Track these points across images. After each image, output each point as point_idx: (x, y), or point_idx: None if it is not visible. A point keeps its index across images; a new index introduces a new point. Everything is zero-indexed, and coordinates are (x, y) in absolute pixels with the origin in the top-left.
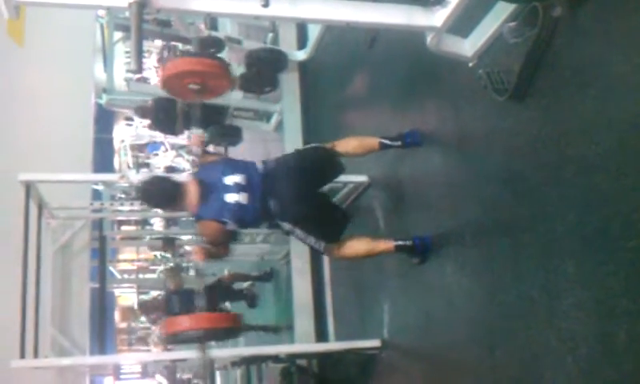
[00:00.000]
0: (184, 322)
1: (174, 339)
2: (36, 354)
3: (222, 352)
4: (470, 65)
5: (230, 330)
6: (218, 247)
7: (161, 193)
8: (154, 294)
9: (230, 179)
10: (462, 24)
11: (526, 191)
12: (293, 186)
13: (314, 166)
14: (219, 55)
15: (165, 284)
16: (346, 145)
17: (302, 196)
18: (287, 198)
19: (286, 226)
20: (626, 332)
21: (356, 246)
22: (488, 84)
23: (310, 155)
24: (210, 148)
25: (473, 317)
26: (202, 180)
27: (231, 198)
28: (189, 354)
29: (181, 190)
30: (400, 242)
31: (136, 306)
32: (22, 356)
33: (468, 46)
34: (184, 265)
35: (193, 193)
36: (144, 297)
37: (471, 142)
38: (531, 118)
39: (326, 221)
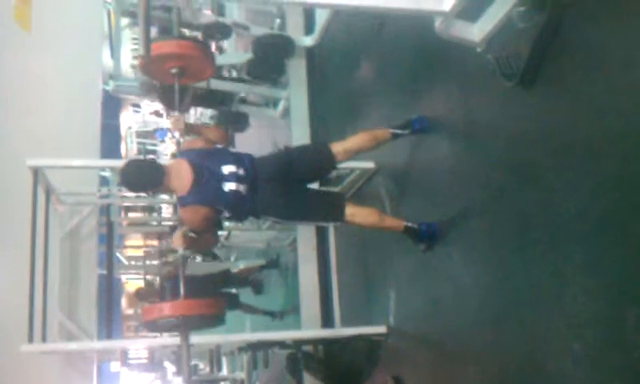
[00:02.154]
0: (161, 309)
1: (153, 326)
2: (44, 339)
3: (229, 338)
4: (479, 50)
5: (211, 317)
6: (203, 236)
7: (142, 175)
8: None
9: (228, 169)
10: (470, 9)
11: (533, 177)
12: (272, 185)
13: (300, 165)
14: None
15: (160, 271)
16: (357, 141)
17: (281, 194)
18: (266, 197)
19: (271, 218)
20: (634, 318)
21: (366, 216)
22: (496, 69)
23: (296, 154)
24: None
25: (480, 303)
26: (196, 164)
27: (230, 186)
28: (197, 339)
29: (166, 171)
30: (409, 224)
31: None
32: (30, 340)
33: (476, 31)
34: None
35: (186, 176)
36: (150, 284)
37: (479, 127)
38: (539, 103)
39: (315, 211)
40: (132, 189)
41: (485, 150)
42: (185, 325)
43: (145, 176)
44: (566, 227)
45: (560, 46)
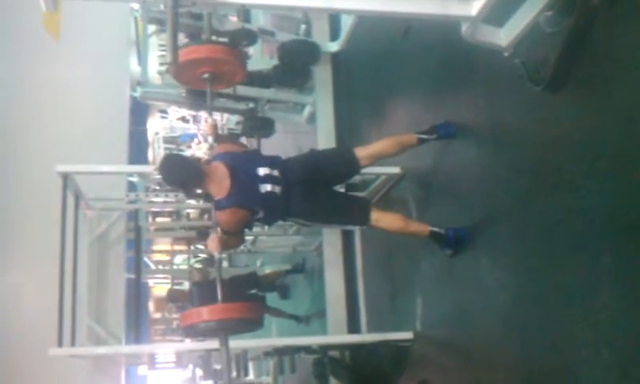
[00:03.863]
0: (200, 314)
1: (191, 331)
2: (73, 343)
3: (255, 342)
4: (506, 55)
5: (251, 321)
6: (233, 237)
7: (184, 169)
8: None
9: (263, 170)
10: (497, 13)
11: (561, 183)
12: (300, 187)
13: (324, 167)
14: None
15: (190, 275)
16: (382, 145)
17: (307, 196)
18: (295, 199)
19: (298, 220)
20: None
21: (391, 221)
22: (524, 74)
23: (321, 156)
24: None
25: (507, 310)
26: (231, 166)
27: (266, 188)
28: None
29: (205, 170)
30: (435, 229)
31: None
32: (60, 344)
33: (503, 36)
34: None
35: (223, 179)
36: (177, 287)
37: (506, 132)
38: (568, 108)
39: (341, 213)
40: (171, 182)
41: (512, 155)
42: (225, 329)
43: (186, 171)
44: (595, 234)
45: (589, 50)
